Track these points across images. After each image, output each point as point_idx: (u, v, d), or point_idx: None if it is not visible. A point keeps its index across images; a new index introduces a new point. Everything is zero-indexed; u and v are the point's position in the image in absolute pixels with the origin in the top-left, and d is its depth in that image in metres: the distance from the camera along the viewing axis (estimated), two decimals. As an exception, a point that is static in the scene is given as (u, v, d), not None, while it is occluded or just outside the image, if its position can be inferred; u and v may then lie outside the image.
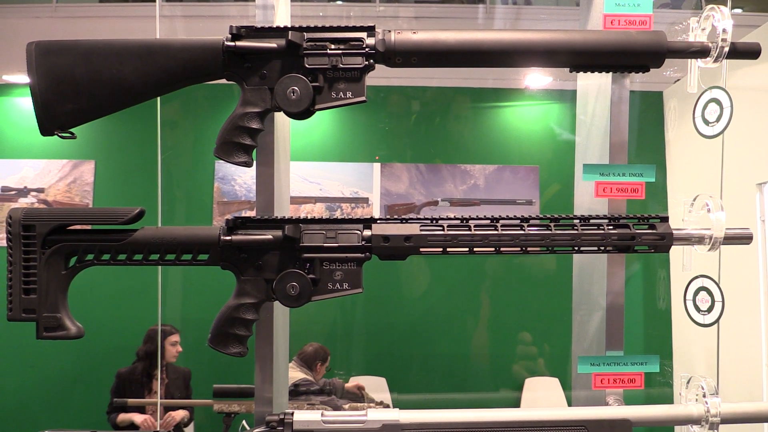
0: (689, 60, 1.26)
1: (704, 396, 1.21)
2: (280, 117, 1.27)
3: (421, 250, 1.15)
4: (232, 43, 1.15)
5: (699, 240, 1.21)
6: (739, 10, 3.27)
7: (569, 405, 1.40)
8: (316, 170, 4.20)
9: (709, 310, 1.29)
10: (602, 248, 1.18)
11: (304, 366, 3.30)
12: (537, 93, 4.32)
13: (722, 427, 1.21)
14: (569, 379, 1.45)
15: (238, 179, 4.10)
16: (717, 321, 1.28)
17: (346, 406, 2.79)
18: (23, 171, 4.16)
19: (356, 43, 1.16)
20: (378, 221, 1.17)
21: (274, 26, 1.17)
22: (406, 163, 4.24)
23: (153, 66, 1.16)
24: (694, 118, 1.30)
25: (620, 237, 1.16)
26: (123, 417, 3.27)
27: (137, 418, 3.26)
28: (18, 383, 4.07)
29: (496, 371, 4.20)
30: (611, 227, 1.17)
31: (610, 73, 1.28)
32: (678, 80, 3.65)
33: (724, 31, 1.20)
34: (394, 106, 4.25)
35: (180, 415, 3.25)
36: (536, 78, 4.16)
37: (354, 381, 3.56)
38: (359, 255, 1.15)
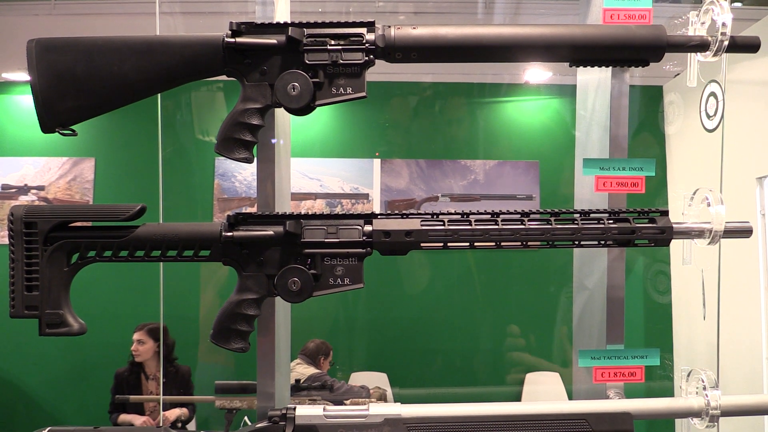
0: (689, 54, 1.27)
1: (704, 389, 1.21)
2: (280, 113, 1.28)
3: (422, 245, 1.15)
4: (232, 40, 1.15)
5: (699, 234, 1.21)
6: (738, 4, 3.26)
7: (570, 399, 1.40)
8: (317, 166, 4.20)
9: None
10: (602, 242, 1.18)
11: (311, 362, 3.30)
12: (537, 88, 4.31)
13: (722, 420, 1.22)
14: (570, 372, 1.45)
15: (239, 176, 4.09)
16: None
17: (348, 402, 2.79)
18: (23, 169, 4.16)
19: (356, 38, 1.17)
20: (379, 216, 1.17)
21: (274, 22, 1.17)
22: (406, 158, 4.24)
23: (153, 62, 1.16)
24: (700, 112, 1.30)
25: (620, 231, 1.16)
26: (123, 418, 3.26)
27: (137, 420, 3.24)
28: (20, 380, 4.08)
29: (497, 365, 4.20)
30: (611, 221, 1.17)
31: (610, 68, 1.28)
32: (678, 75, 3.64)
33: (723, 24, 1.20)
34: (394, 102, 4.24)
35: (175, 414, 3.19)
36: (536, 73, 4.15)
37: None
38: (360, 250, 1.15)
